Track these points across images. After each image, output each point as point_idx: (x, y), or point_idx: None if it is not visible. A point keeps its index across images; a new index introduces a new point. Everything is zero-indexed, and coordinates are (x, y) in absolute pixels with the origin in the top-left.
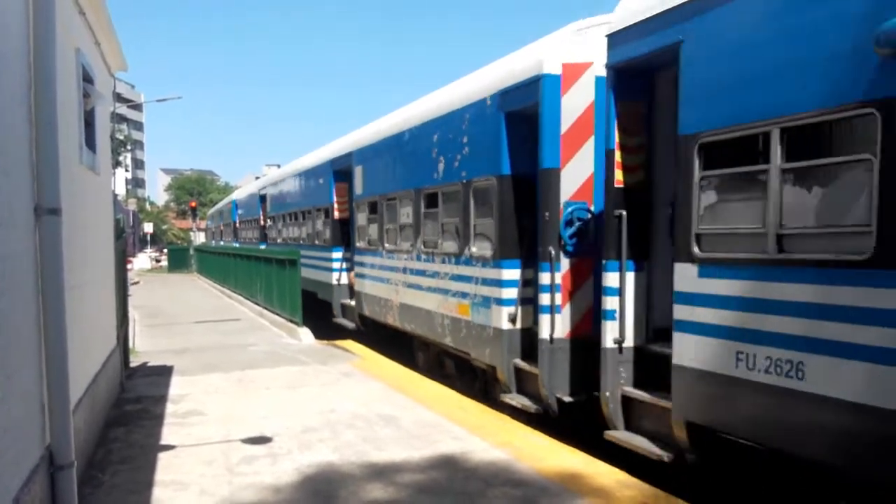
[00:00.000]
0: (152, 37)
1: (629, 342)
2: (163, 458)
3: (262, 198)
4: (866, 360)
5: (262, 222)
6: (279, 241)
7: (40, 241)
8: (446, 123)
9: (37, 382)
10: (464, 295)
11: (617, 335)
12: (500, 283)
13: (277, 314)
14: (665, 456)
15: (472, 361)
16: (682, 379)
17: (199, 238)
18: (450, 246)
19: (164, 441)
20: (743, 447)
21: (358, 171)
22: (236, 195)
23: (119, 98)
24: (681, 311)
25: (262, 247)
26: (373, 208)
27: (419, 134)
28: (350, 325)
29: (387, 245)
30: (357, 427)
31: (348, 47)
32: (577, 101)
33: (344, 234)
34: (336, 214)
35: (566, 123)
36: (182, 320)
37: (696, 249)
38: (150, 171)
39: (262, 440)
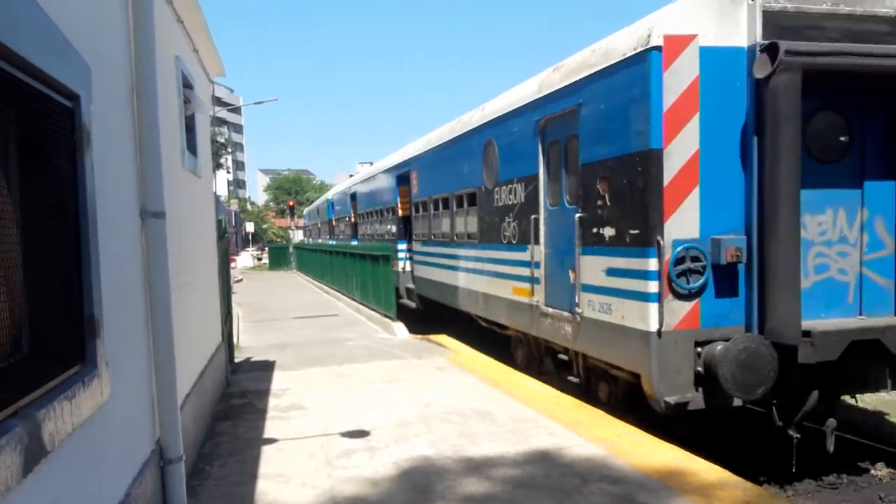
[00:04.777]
0: (248, 42)
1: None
2: (266, 451)
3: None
4: None
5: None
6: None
7: (146, 243)
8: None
9: (146, 379)
10: None
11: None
12: None
13: (374, 310)
14: None
15: None
16: None
17: (298, 236)
18: None
19: (267, 434)
20: None
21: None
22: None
23: (219, 102)
24: None
25: (353, 242)
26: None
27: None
28: None
29: None
30: (452, 421)
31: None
32: None
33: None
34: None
35: None
36: (283, 316)
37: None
38: (250, 171)
39: (360, 434)
